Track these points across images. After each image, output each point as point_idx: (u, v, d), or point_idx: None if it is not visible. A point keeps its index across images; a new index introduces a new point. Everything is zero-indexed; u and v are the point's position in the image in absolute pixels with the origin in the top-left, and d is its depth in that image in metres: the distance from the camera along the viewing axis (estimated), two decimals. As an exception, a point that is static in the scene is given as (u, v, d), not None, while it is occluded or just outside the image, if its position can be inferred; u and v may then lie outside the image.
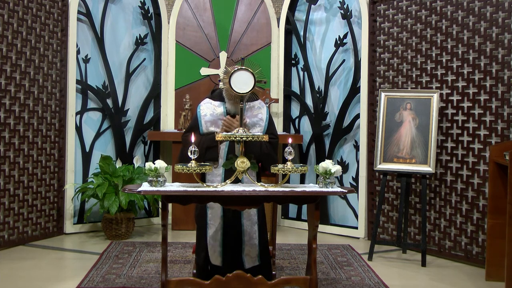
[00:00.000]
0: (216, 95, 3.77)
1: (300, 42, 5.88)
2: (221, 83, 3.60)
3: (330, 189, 3.28)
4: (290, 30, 5.94)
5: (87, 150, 5.46)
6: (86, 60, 5.44)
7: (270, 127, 3.74)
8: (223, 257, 3.66)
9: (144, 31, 5.83)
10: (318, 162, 5.04)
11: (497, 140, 4.35)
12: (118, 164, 5.44)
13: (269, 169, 3.46)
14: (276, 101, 5.86)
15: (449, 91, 4.69)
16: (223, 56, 5.92)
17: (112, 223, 5.09)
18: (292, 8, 5.91)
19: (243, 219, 3.66)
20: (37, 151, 5.01)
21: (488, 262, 4.08)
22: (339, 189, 3.28)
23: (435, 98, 4.58)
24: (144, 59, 5.85)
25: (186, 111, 5.71)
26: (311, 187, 3.39)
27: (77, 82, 5.36)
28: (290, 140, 3.31)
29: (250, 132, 3.36)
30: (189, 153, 3.19)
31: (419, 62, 4.91)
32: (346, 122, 5.56)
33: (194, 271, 3.79)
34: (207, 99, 3.78)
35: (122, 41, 5.69)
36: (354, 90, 5.46)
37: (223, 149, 3.65)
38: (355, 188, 5.34)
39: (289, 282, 3.41)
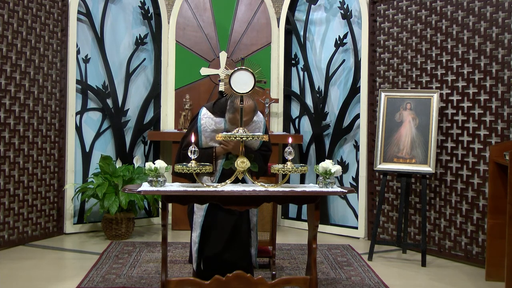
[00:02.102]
0: (218, 110, 3.70)
1: (300, 42, 5.88)
2: (221, 83, 3.60)
3: (330, 189, 3.28)
4: (290, 30, 5.95)
5: (87, 150, 5.46)
6: (86, 60, 5.44)
7: (265, 141, 3.72)
8: (197, 262, 3.67)
9: (144, 31, 5.84)
10: (318, 162, 5.04)
11: (497, 140, 4.35)
12: (118, 164, 5.44)
13: (258, 177, 3.73)
14: (276, 101, 5.86)
15: (449, 91, 4.69)
16: (223, 56, 5.92)
17: (112, 223, 5.09)
18: (292, 8, 5.91)
19: (231, 223, 3.63)
20: (37, 151, 5.01)
21: (488, 262, 4.07)
22: (339, 189, 3.28)
23: (435, 98, 4.58)
24: (144, 59, 5.85)
25: (186, 111, 5.71)
26: (311, 187, 3.39)
27: (77, 82, 5.36)
28: (290, 140, 3.31)
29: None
30: (189, 153, 3.20)
31: (419, 62, 4.91)
32: (346, 122, 5.56)
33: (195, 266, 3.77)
34: (208, 113, 3.70)
35: (122, 41, 5.69)
36: (354, 90, 5.46)
37: (220, 163, 3.66)
38: (355, 188, 5.34)
39: (289, 282, 3.41)
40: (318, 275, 4.00)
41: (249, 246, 3.69)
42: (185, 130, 5.61)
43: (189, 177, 3.61)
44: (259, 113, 3.80)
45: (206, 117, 3.69)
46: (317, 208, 3.34)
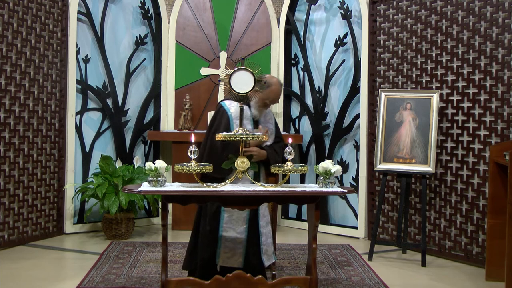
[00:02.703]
0: (241, 99, 3.65)
1: (300, 42, 5.88)
2: (221, 83, 3.60)
3: (330, 189, 3.28)
4: (290, 30, 5.94)
5: (87, 150, 5.46)
6: (86, 60, 5.44)
7: (277, 131, 3.86)
8: (245, 259, 3.65)
9: (144, 31, 5.84)
10: (318, 162, 5.04)
11: (497, 140, 4.35)
12: (118, 164, 5.44)
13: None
14: (276, 101, 5.85)
15: (449, 91, 4.69)
16: (223, 56, 5.92)
17: (112, 223, 5.09)
18: (292, 8, 5.91)
19: (260, 220, 3.69)
20: (37, 151, 5.01)
21: (488, 262, 4.07)
22: (339, 189, 3.28)
23: (435, 98, 4.58)
24: (144, 59, 5.85)
25: (186, 111, 5.71)
26: (311, 187, 3.38)
27: (77, 82, 5.36)
28: (290, 140, 3.31)
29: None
30: (189, 153, 3.19)
31: (419, 62, 4.91)
32: (346, 122, 5.56)
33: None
34: (233, 102, 3.68)
35: (122, 41, 5.69)
36: (354, 90, 5.46)
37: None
38: (355, 188, 5.34)
39: (289, 282, 3.40)
40: (318, 275, 4.00)
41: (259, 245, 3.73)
42: (185, 130, 5.64)
43: (216, 172, 3.49)
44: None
45: (233, 106, 3.69)
46: (317, 208, 3.34)
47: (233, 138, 3.21)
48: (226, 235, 3.62)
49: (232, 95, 3.68)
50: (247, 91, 3.30)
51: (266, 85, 3.64)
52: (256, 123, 3.74)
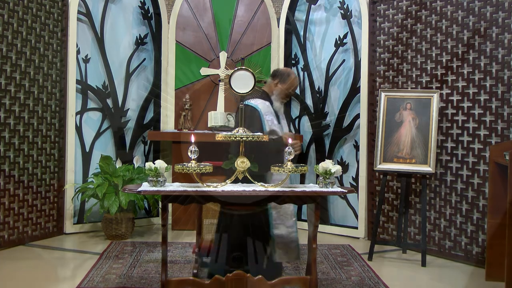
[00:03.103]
0: (262, 95, 3.77)
1: (300, 42, 5.88)
2: (221, 83, 3.62)
3: (330, 189, 3.28)
4: (290, 30, 5.94)
5: (87, 150, 5.46)
6: (86, 60, 5.44)
7: (288, 126, 3.98)
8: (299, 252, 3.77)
9: (144, 31, 5.84)
10: (318, 162, 5.03)
11: (497, 140, 4.35)
12: (118, 164, 5.44)
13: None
14: (276, 101, 5.86)
15: (449, 91, 4.69)
16: (223, 56, 5.92)
17: (112, 223, 5.09)
18: (292, 8, 5.91)
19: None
20: (37, 151, 5.01)
21: (488, 262, 4.07)
22: (339, 189, 3.28)
23: (435, 98, 4.58)
24: (144, 59, 5.85)
25: (186, 111, 5.71)
26: (311, 187, 3.38)
27: (77, 82, 5.36)
28: (290, 140, 3.31)
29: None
30: (189, 153, 3.19)
31: (419, 62, 4.91)
32: (346, 122, 5.56)
33: (195, 271, 3.78)
34: (257, 99, 3.71)
35: (122, 41, 5.69)
36: (354, 90, 5.46)
37: None
38: (355, 188, 5.34)
39: (289, 282, 3.41)
40: (318, 275, 4.00)
41: None
42: (185, 130, 5.63)
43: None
44: None
45: (259, 103, 3.73)
46: (317, 208, 3.34)
47: (233, 138, 3.21)
48: (277, 232, 3.68)
49: (250, 97, 3.69)
50: (247, 91, 3.30)
51: (286, 74, 3.84)
52: (277, 118, 3.83)
